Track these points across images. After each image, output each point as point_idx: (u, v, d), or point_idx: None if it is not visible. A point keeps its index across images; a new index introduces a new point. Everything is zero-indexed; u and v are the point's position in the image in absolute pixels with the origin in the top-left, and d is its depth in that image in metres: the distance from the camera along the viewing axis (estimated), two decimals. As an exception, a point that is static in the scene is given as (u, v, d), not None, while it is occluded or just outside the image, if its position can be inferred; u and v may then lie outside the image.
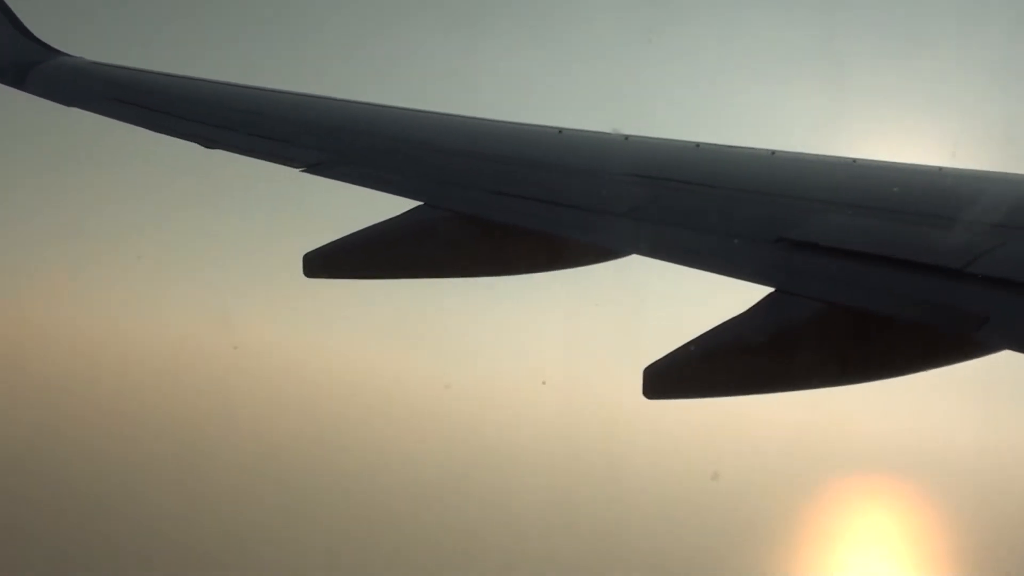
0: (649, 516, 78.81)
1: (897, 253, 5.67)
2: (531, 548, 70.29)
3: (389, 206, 7.61)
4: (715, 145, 7.97)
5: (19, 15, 11.86)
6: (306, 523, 68.86)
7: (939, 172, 6.86)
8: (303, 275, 7.48)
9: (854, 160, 7.32)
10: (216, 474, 77.82)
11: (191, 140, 9.01)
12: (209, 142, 8.91)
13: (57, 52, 11.42)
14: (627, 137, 8.17)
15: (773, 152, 7.53)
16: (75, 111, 9.94)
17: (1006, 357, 5.04)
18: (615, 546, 71.55)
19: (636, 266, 6.84)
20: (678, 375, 5.54)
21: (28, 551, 58.21)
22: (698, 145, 7.92)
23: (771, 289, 5.68)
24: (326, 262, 7.45)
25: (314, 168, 8.19)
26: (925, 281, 5.41)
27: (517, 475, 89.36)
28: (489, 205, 7.43)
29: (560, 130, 8.61)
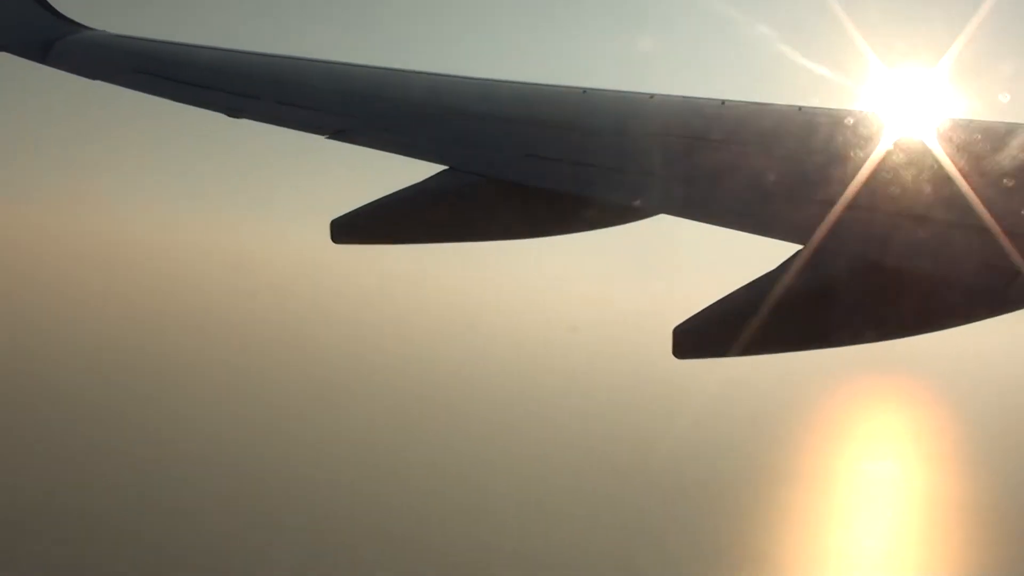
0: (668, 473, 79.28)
1: (938, 212, 5.62)
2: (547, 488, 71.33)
3: (415, 171, 7.61)
4: (741, 102, 7.90)
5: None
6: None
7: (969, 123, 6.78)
8: (331, 241, 7.50)
9: (875, 112, 7.24)
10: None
11: (216, 110, 9.00)
12: (234, 111, 8.91)
13: (79, 26, 11.42)
14: (652, 96, 8.11)
15: (800, 108, 7.47)
16: (99, 84, 9.96)
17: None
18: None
19: (664, 226, 6.83)
20: (708, 334, 5.52)
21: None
22: (724, 103, 7.86)
23: (800, 246, 5.64)
24: (354, 228, 7.45)
25: (339, 135, 8.17)
26: (963, 236, 5.35)
27: (543, 436, 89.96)
28: (516, 167, 7.40)
29: (584, 90, 8.56)
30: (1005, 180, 5.80)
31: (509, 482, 74.79)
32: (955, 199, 5.70)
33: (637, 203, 7.04)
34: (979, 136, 6.65)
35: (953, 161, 6.16)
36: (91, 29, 11.39)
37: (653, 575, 62.17)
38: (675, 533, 67.54)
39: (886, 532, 75.27)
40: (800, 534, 71.41)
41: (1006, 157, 6.15)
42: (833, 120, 7.36)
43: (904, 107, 7.32)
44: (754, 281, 5.63)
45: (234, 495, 64.70)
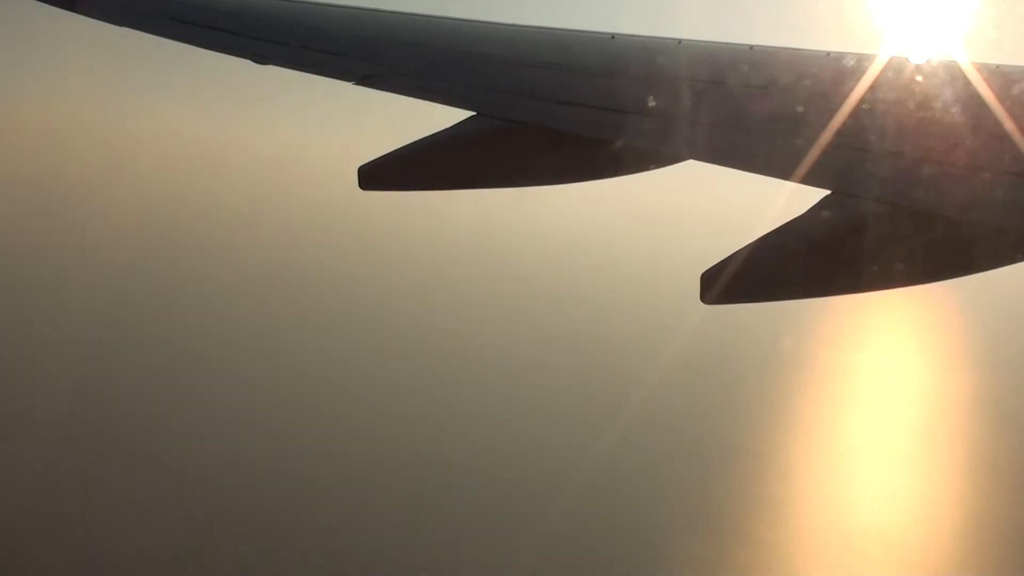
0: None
1: (969, 156, 5.58)
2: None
3: (443, 117, 7.61)
4: (769, 47, 7.85)
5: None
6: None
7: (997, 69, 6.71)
8: (358, 188, 7.53)
9: (905, 56, 7.17)
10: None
11: (243, 56, 9.00)
12: (261, 58, 8.90)
13: None
14: (680, 41, 8.07)
15: (828, 53, 7.41)
16: (126, 31, 9.95)
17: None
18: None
19: (692, 171, 6.81)
20: (736, 279, 5.52)
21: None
22: (752, 47, 7.81)
23: (828, 192, 5.62)
24: (381, 174, 7.49)
25: (366, 80, 8.17)
26: (995, 180, 5.32)
27: (571, 376, 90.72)
28: (543, 113, 7.39)
29: (613, 35, 8.51)
30: None
31: (538, 425, 75.50)
32: (988, 143, 5.67)
33: (665, 149, 7.03)
34: (1008, 80, 6.59)
35: (987, 105, 6.11)
36: None
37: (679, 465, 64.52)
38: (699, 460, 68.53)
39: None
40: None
41: None
42: (862, 65, 7.30)
43: (934, 49, 7.25)
44: (781, 227, 5.62)
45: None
